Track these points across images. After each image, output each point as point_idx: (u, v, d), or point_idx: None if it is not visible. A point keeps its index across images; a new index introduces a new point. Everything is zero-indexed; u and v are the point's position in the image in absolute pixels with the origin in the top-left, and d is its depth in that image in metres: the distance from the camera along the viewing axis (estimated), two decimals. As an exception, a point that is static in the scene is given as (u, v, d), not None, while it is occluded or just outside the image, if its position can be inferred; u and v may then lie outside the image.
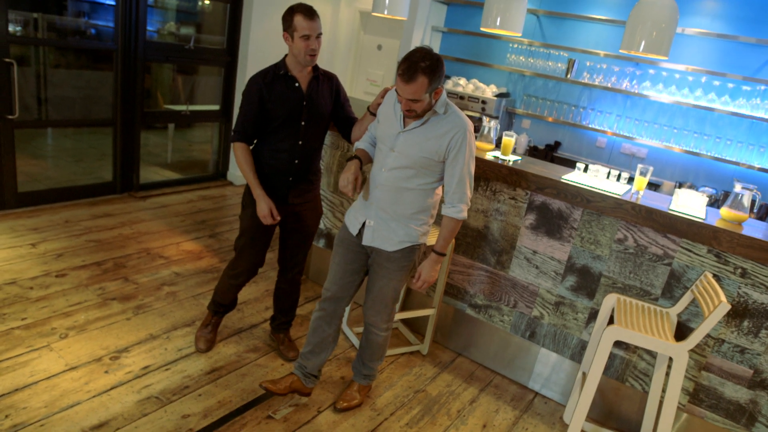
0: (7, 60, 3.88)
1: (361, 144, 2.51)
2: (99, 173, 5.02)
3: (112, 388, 2.51)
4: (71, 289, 3.25)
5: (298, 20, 2.40)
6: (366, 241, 2.40)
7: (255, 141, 2.63)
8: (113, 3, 4.53)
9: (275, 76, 2.52)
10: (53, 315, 2.97)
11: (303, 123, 2.57)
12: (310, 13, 2.42)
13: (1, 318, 2.87)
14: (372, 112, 2.56)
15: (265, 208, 2.52)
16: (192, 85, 6.30)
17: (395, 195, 2.32)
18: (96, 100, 5.33)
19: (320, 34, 2.46)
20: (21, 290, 3.15)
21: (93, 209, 4.51)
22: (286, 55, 2.56)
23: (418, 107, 2.15)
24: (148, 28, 4.82)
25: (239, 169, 2.57)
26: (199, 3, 6.04)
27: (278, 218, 2.56)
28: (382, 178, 2.32)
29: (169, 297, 3.35)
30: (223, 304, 2.89)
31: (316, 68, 2.60)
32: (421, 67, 2.05)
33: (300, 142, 2.59)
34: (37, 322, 2.89)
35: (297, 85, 2.54)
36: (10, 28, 4.11)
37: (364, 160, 2.43)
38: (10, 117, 4.00)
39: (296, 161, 2.61)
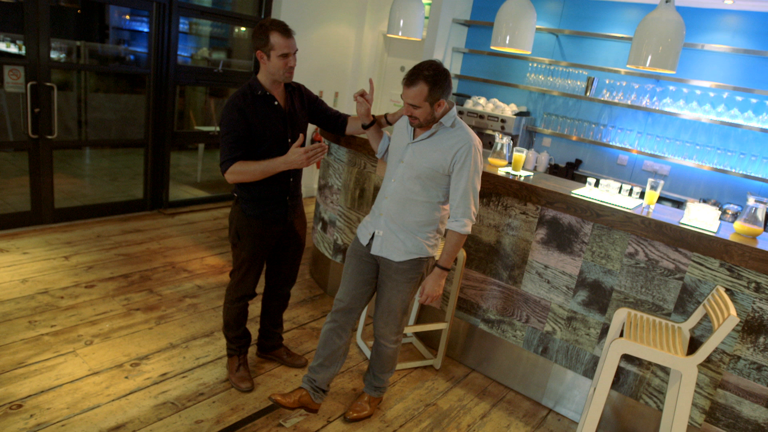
0: (48, 84, 4.14)
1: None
2: (131, 191, 5.25)
3: (130, 393, 2.61)
4: (98, 300, 3.40)
5: (276, 38, 2.32)
6: (374, 250, 2.45)
7: None
8: (148, 30, 4.79)
9: (254, 97, 2.43)
10: (80, 323, 3.12)
11: (290, 140, 2.52)
12: (286, 30, 2.35)
13: (33, 324, 3.03)
14: (389, 121, 2.65)
15: (292, 153, 2.38)
16: (222, 107, 6.54)
17: (403, 206, 2.38)
18: (131, 122, 5.61)
19: (296, 50, 2.41)
20: (52, 299, 3.32)
21: (124, 225, 4.71)
22: (255, 74, 2.48)
23: (419, 114, 2.24)
24: (183, 53, 5.08)
25: (253, 178, 2.43)
26: (236, 29, 6.31)
27: (324, 145, 2.44)
28: (390, 189, 2.40)
29: (191, 308, 3.47)
30: (238, 336, 2.80)
31: (287, 83, 2.54)
32: (424, 74, 2.17)
33: None
34: (66, 329, 3.04)
35: (276, 103, 2.47)
36: (54, 55, 4.40)
37: (371, 131, 2.62)
38: (49, 137, 4.25)
39: (291, 179, 2.60)
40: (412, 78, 2.20)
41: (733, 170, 4.29)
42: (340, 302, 2.54)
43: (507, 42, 3.38)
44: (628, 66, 2.87)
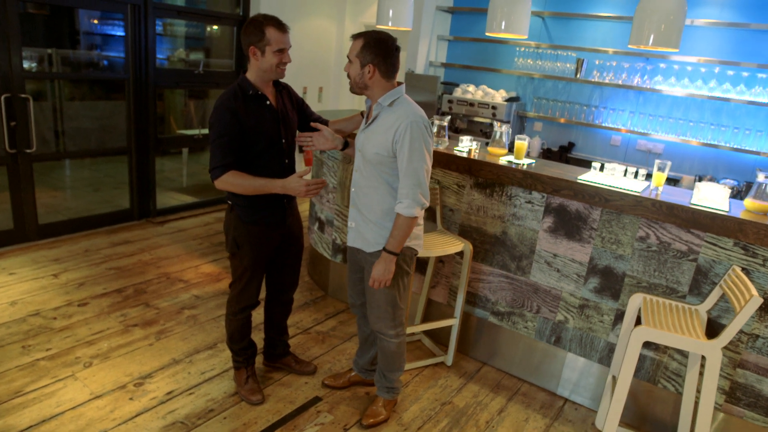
0: (23, 96, 3.97)
1: None
2: (117, 201, 5.08)
3: (137, 415, 2.50)
4: (93, 318, 3.27)
5: (272, 33, 2.24)
6: (349, 242, 2.47)
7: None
8: (123, 34, 4.61)
9: (246, 97, 2.32)
10: (77, 344, 2.99)
11: (284, 140, 2.44)
12: (281, 25, 2.27)
13: (27, 350, 2.90)
14: (347, 137, 2.62)
15: (293, 181, 2.30)
16: (203, 109, 6.37)
17: (365, 195, 2.36)
18: (110, 129, 5.42)
19: (290, 46, 2.33)
20: (44, 321, 3.18)
21: (112, 237, 4.56)
22: (244, 73, 2.36)
23: (350, 71, 2.27)
24: (159, 56, 4.90)
25: (245, 192, 2.33)
26: (207, 29, 6.13)
27: (323, 180, 2.40)
28: (354, 180, 2.41)
29: (190, 320, 3.36)
30: (244, 348, 2.71)
31: (275, 81, 2.46)
32: (366, 33, 2.22)
33: (287, 161, 2.48)
34: (62, 351, 2.91)
35: (268, 102, 2.38)
36: (25, 65, 4.20)
37: (352, 147, 2.54)
38: (28, 151, 4.08)
39: None
40: (358, 33, 2.25)
41: (728, 145, 4.28)
42: (350, 297, 2.66)
43: (503, 27, 3.30)
44: (629, 46, 2.81)
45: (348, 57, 2.27)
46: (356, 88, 2.31)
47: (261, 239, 2.50)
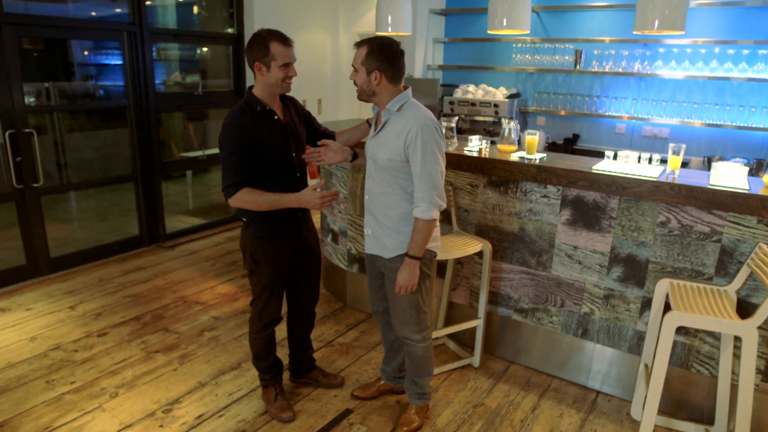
0: (27, 131, 3.96)
1: None
2: (125, 228, 5.07)
3: (169, 442, 2.48)
4: (114, 347, 3.25)
5: (277, 48, 2.24)
6: (367, 249, 2.45)
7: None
8: (119, 62, 4.62)
9: (254, 113, 2.31)
10: (101, 375, 2.97)
11: (294, 154, 2.44)
12: (286, 39, 2.27)
13: (51, 384, 2.87)
14: (370, 123, 2.60)
15: (307, 194, 2.31)
16: (204, 130, 6.37)
17: (379, 202, 2.35)
18: (113, 157, 5.41)
19: (295, 60, 2.34)
20: (66, 354, 3.16)
21: (124, 265, 4.54)
22: (251, 89, 2.37)
23: (356, 79, 2.26)
24: (156, 80, 4.90)
25: (259, 209, 2.33)
26: (199, 50, 6.14)
27: (336, 191, 2.39)
28: (368, 187, 2.40)
29: (212, 342, 3.33)
30: (270, 365, 2.68)
31: (282, 95, 2.47)
32: (370, 40, 2.21)
33: (298, 174, 2.47)
34: (86, 384, 2.89)
35: (276, 117, 2.38)
36: (26, 100, 4.21)
37: (362, 156, 2.53)
38: (35, 185, 4.07)
39: None
40: (361, 41, 2.24)
41: (733, 124, 4.27)
42: (371, 305, 2.65)
43: (504, 24, 3.29)
44: (634, 33, 2.80)
45: (353, 65, 2.26)
46: (364, 96, 2.29)
47: (278, 254, 2.48)
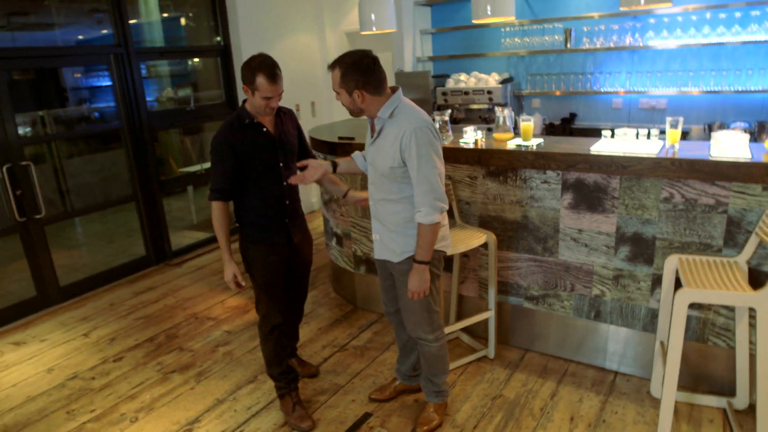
0: (23, 163, 3.97)
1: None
2: (132, 249, 5.08)
3: (192, 462, 2.48)
4: (131, 371, 3.26)
5: (261, 83, 2.31)
6: (376, 254, 2.46)
7: (236, 196, 2.53)
8: (110, 83, 4.61)
9: (242, 126, 2.43)
10: (119, 400, 2.98)
11: (281, 164, 2.51)
12: (272, 75, 2.32)
13: (71, 414, 2.89)
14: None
15: (230, 273, 2.48)
16: (200, 144, 6.37)
17: (383, 207, 2.35)
18: (113, 179, 5.42)
19: (281, 92, 2.39)
20: (83, 382, 3.18)
21: (134, 286, 4.56)
22: (244, 102, 2.47)
23: (341, 100, 2.23)
24: (147, 98, 4.90)
25: (214, 228, 2.48)
26: (190, 62, 6.13)
27: (243, 284, 2.52)
28: (371, 192, 2.40)
29: (226, 357, 3.34)
30: (284, 372, 2.68)
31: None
32: (341, 60, 2.16)
33: (285, 183, 2.53)
34: (106, 411, 2.90)
35: (265, 129, 2.46)
36: (20, 131, 4.22)
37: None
38: (37, 216, 4.08)
39: (287, 202, 2.57)
40: (332, 63, 2.19)
41: (731, 88, 4.21)
42: (384, 305, 2.65)
43: (489, 12, 3.25)
44: (621, 9, 2.76)
45: (334, 89, 2.23)
46: (355, 114, 2.28)
47: (267, 257, 2.55)
